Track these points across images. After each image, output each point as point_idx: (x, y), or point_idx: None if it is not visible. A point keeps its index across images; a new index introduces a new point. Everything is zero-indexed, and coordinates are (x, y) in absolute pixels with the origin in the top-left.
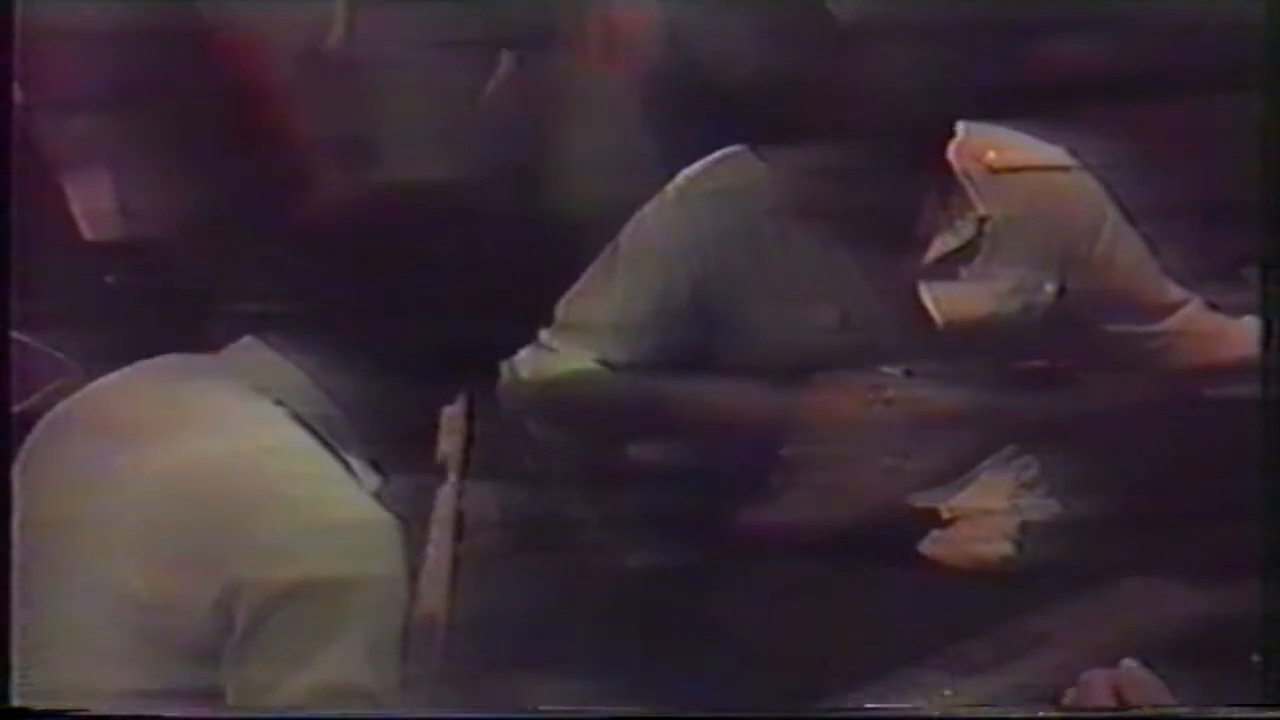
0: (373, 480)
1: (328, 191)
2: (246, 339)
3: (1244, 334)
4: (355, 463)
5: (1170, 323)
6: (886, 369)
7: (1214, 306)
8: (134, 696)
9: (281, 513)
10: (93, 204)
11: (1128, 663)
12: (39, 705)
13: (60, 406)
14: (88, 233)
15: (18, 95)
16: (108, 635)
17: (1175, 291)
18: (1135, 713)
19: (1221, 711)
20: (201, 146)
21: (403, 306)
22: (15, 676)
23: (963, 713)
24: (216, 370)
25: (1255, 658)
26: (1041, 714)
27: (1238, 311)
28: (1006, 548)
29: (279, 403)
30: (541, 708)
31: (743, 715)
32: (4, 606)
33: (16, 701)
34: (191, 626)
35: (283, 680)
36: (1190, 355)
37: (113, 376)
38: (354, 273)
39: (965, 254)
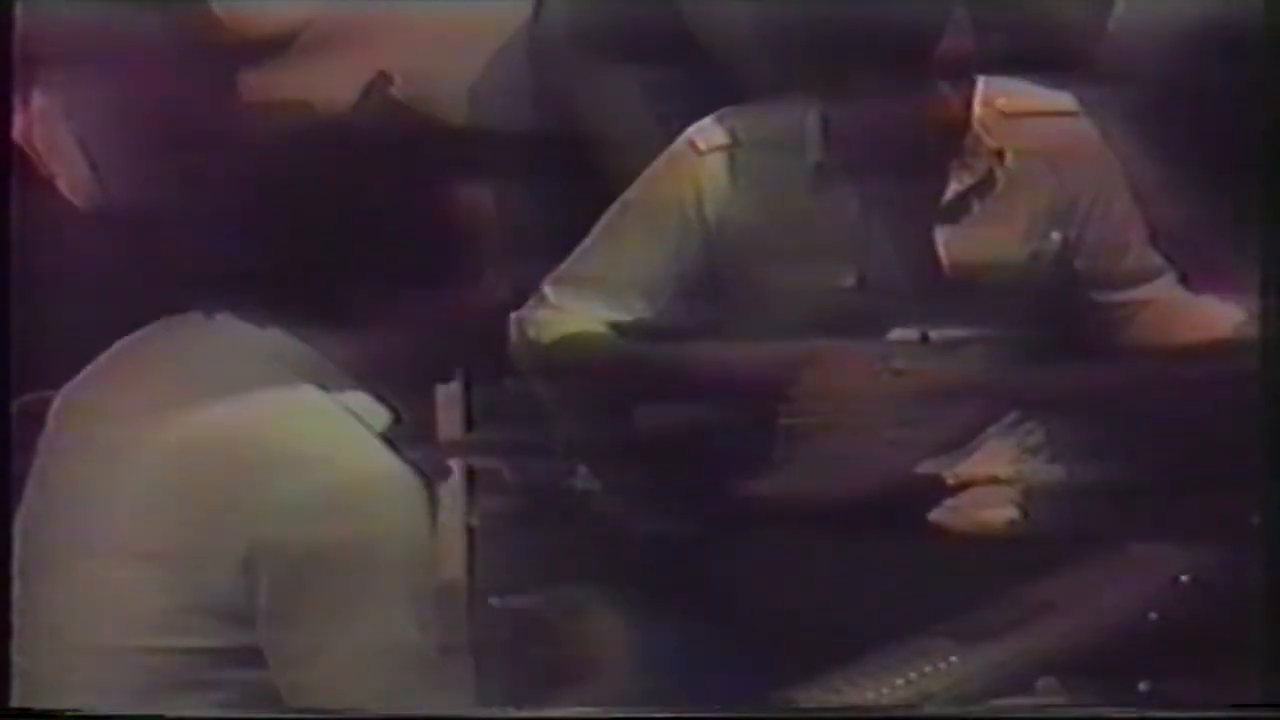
0: (383, 417)
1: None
2: (228, 317)
3: (1208, 314)
4: (361, 402)
5: (1140, 292)
6: (899, 333)
7: (1185, 281)
8: (168, 654)
9: (298, 472)
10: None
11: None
12: (48, 704)
13: (65, 389)
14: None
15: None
16: (138, 596)
17: (1154, 259)
18: (1135, 713)
19: (1222, 712)
20: None
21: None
22: (15, 673)
23: (962, 712)
24: (214, 339)
25: (1142, 685)
26: (1041, 714)
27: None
28: (1012, 513)
29: (282, 364)
30: (544, 708)
31: (742, 715)
32: (4, 606)
33: (14, 701)
34: (221, 587)
35: (325, 643)
36: (1153, 330)
37: (118, 347)
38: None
39: (981, 193)
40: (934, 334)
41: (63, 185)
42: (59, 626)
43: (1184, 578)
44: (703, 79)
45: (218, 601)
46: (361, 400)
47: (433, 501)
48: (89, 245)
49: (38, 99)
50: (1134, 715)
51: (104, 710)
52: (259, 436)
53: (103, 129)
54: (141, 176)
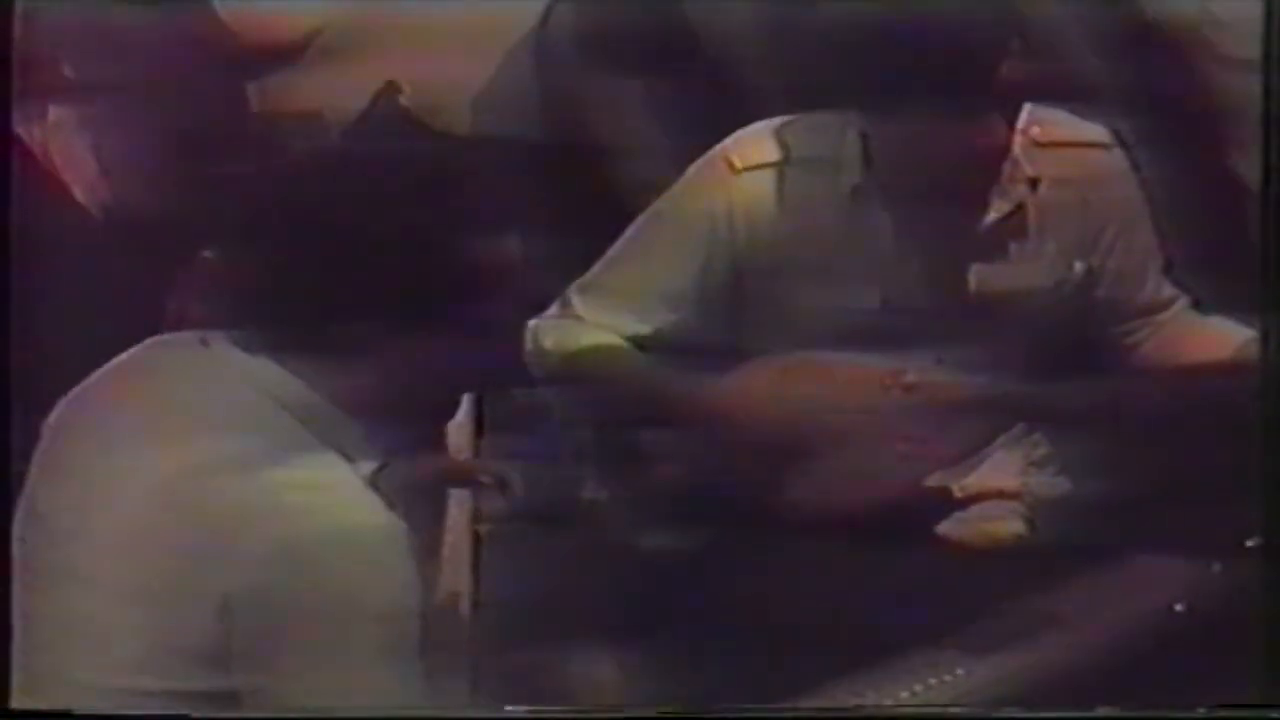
0: (370, 463)
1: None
2: (221, 345)
3: (1218, 334)
4: (351, 446)
5: (1155, 319)
6: (916, 356)
7: (1198, 306)
8: (142, 696)
9: (278, 520)
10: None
11: None
12: (41, 705)
13: (60, 405)
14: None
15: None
16: (116, 636)
17: (1167, 289)
18: (1133, 713)
19: (1222, 712)
20: None
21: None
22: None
23: (960, 713)
24: (205, 368)
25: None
26: (1040, 714)
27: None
28: (1019, 526)
29: (271, 400)
30: (542, 708)
31: (742, 715)
32: (4, 606)
33: (15, 702)
34: (199, 630)
35: (300, 688)
36: (1168, 354)
37: (112, 365)
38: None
39: (1013, 221)
40: (949, 358)
41: (79, 193)
42: (39, 653)
43: (1179, 607)
44: (713, 89)
45: (195, 644)
46: (352, 437)
47: (419, 554)
48: (95, 253)
49: (54, 109)
50: (1133, 715)
51: (103, 710)
52: (240, 479)
53: (116, 137)
54: (152, 186)
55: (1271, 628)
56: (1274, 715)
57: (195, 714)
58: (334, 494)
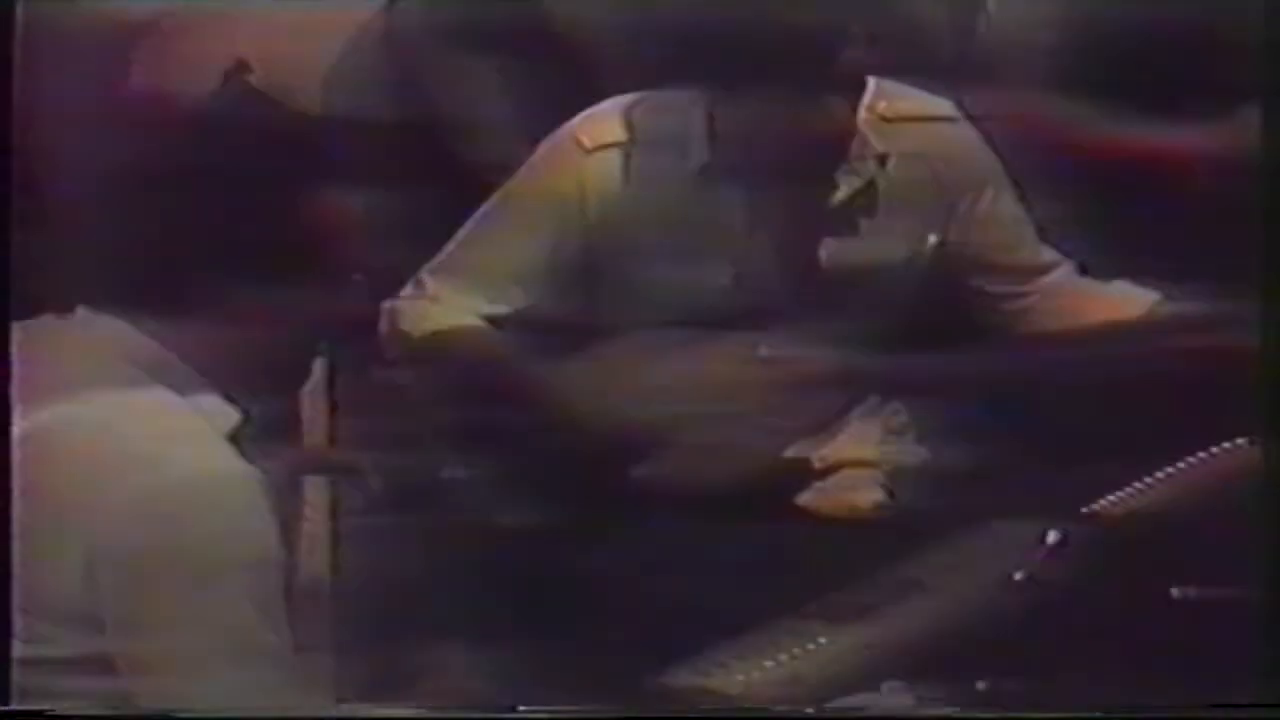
0: (231, 417)
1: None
2: (82, 310)
3: (1113, 298)
4: (209, 402)
5: (1039, 284)
6: (769, 332)
7: (1085, 270)
8: (22, 666)
9: (136, 473)
10: None
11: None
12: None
13: None
14: None
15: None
16: None
17: (1047, 253)
18: (1133, 713)
19: (1222, 712)
20: None
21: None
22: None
23: (957, 713)
24: (64, 334)
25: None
26: (1039, 713)
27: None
28: (878, 495)
29: (131, 363)
30: (538, 708)
31: (742, 715)
32: (4, 606)
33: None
34: (66, 592)
35: (174, 646)
36: (1057, 317)
37: None
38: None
39: (865, 197)
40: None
41: None
42: None
43: (1051, 535)
44: (561, 68)
45: (65, 607)
46: (210, 400)
47: (276, 501)
48: None
49: None
50: (1134, 715)
51: (103, 710)
52: (96, 436)
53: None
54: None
55: (1271, 628)
56: (1274, 715)
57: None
58: (191, 445)
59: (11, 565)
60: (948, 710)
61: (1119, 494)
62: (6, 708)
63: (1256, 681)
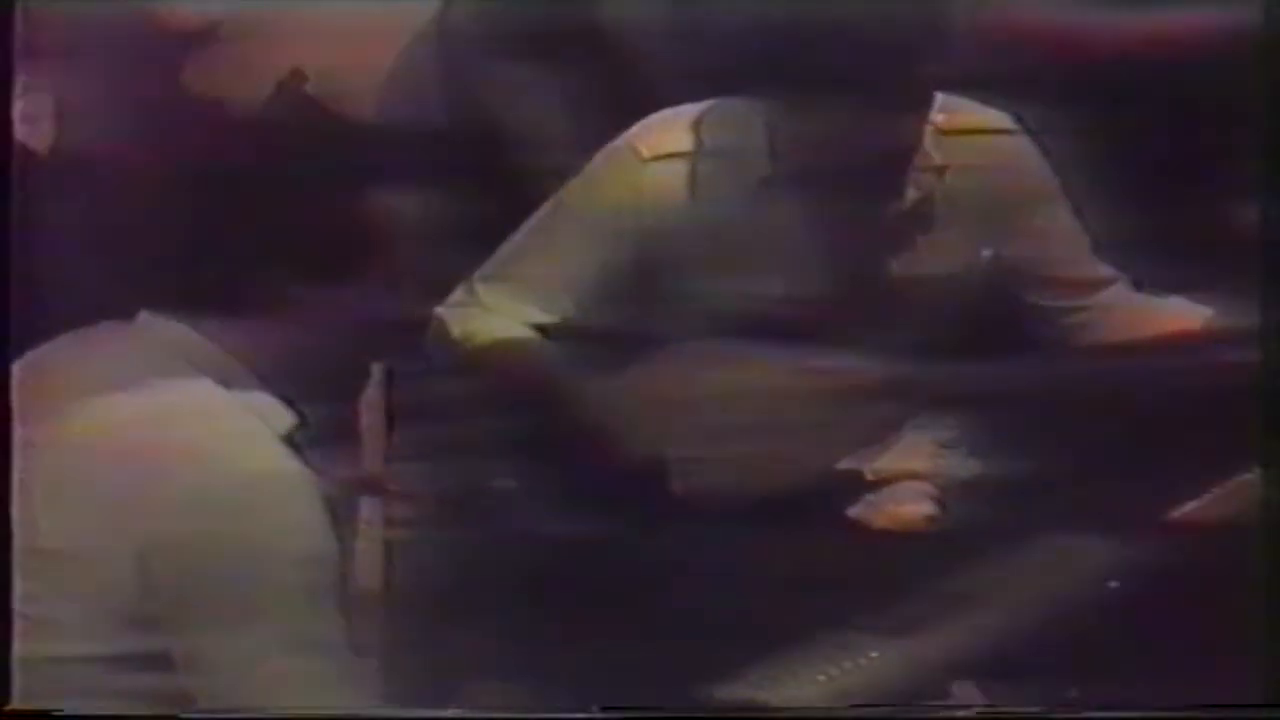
0: (286, 419)
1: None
2: (144, 313)
3: (1168, 314)
4: (266, 404)
5: (1094, 299)
6: (824, 344)
7: (1140, 286)
8: (81, 663)
9: (190, 469)
10: None
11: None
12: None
13: None
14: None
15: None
16: (50, 604)
17: (1103, 269)
18: (1133, 713)
19: (1222, 712)
20: None
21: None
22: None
23: (960, 713)
24: (125, 338)
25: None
26: (1038, 713)
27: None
28: (930, 508)
29: (190, 364)
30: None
31: (742, 715)
32: (4, 607)
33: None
34: (120, 588)
35: (229, 640)
36: (1111, 332)
37: (30, 355)
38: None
39: (922, 210)
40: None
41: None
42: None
43: (1113, 583)
44: (618, 77)
45: (119, 604)
46: (266, 401)
47: (329, 502)
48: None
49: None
50: (1134, 715)
51: (103, 710)
52: (153, 433)
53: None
54: (88, 170)
55: (1272, 627)
56: (1274, 715)
57: (193, 714)
58: (247, 443)
59: (11, 565)
60: (948, 709)
61: (1184, 506)
62: (6, 708)
63: None
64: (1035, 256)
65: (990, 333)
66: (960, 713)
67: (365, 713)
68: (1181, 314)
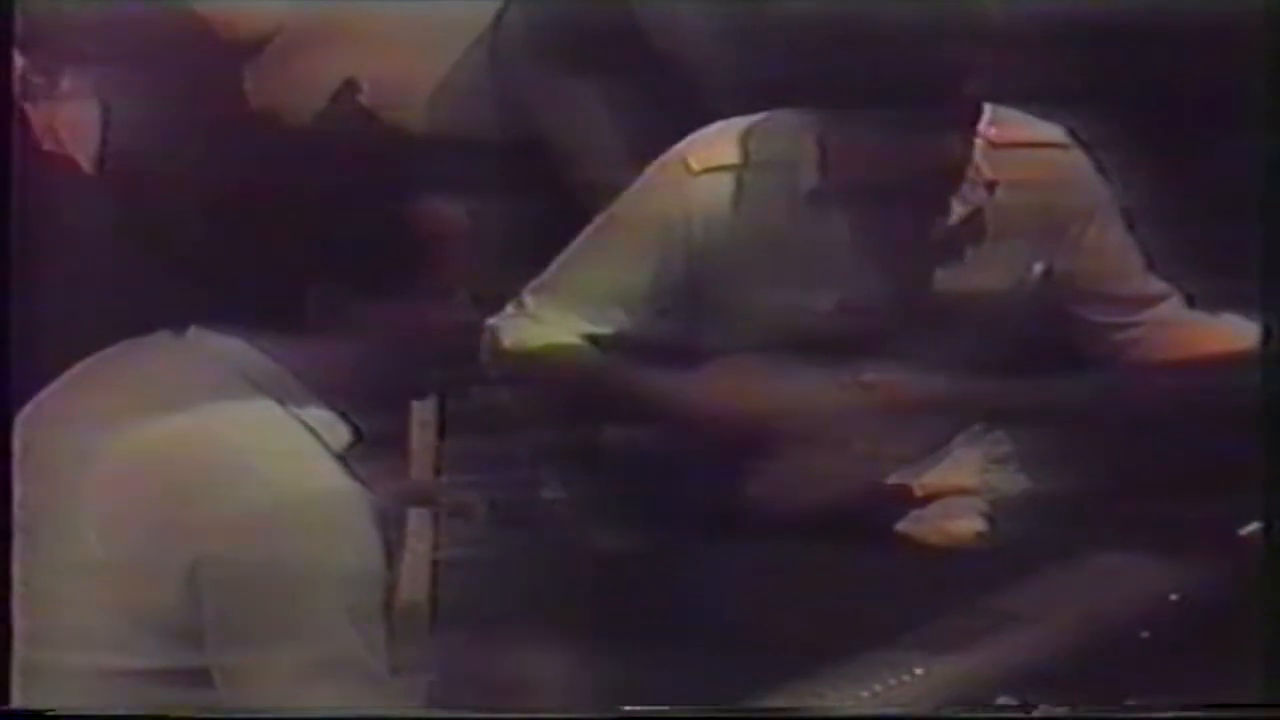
0: (342, 435)
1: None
2: (195, 329)
3: (1221, 331)
4: (323, 419)
5: (1147, 315)
6: (873, 357)
7: (1192, 302)
8: (124, 677)
9: (244, 486)
10: None
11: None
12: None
13: (36, 398)
14: None
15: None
16: (95, 616)
17: (1155, 285)
18: (1133, 713)
19: (1222, 712)
20: None
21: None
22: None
23: (959, 713)
24: (178, 351)
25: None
26: (1038, 713)
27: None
28: (979, 524)
29: (246, 379)
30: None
31: (741, 715)
32: (4, 607)
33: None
34: (168, 602)
35: (270, 660)
36: (1164, 349)
37: (82, 365)
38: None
39: (973, 224)
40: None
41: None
42: (28, 642)
43: (1174, 596)
44: (669, 89)
45: (166, 618)
46: (322, 416)
47: (382, 518)
48: (85, 247)
49: (66, 81)
50: (1132, 717)
51: (103, 710)
52: (207, 449)
53: (106, 130)
54: (137, 179)
55: (1272, 627)
56: (1274, 715)
57: (192, 714)
58: (300, 462)
59: (11, 566)
60: (948, 710)
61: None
62: (7, 708)
63: None
64: (1087, 272)
65: (1040, 348)
66: (981, 713)
67: (366, 713)
68: (1233, 331)
